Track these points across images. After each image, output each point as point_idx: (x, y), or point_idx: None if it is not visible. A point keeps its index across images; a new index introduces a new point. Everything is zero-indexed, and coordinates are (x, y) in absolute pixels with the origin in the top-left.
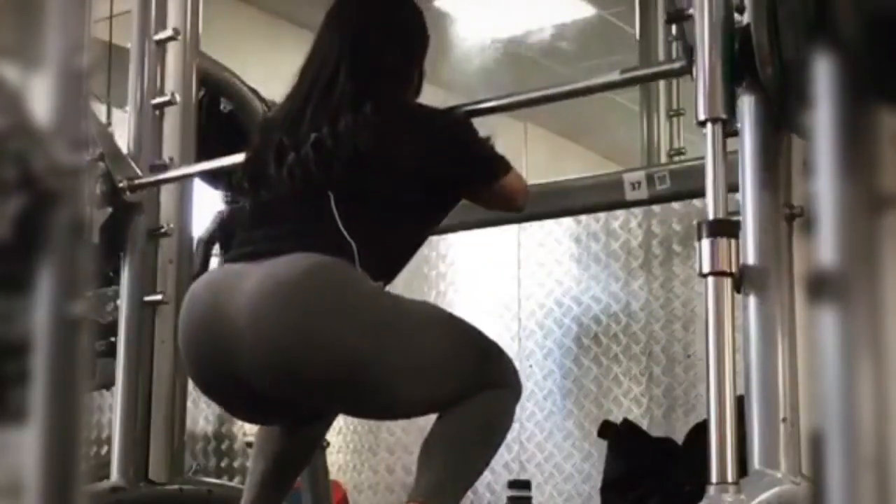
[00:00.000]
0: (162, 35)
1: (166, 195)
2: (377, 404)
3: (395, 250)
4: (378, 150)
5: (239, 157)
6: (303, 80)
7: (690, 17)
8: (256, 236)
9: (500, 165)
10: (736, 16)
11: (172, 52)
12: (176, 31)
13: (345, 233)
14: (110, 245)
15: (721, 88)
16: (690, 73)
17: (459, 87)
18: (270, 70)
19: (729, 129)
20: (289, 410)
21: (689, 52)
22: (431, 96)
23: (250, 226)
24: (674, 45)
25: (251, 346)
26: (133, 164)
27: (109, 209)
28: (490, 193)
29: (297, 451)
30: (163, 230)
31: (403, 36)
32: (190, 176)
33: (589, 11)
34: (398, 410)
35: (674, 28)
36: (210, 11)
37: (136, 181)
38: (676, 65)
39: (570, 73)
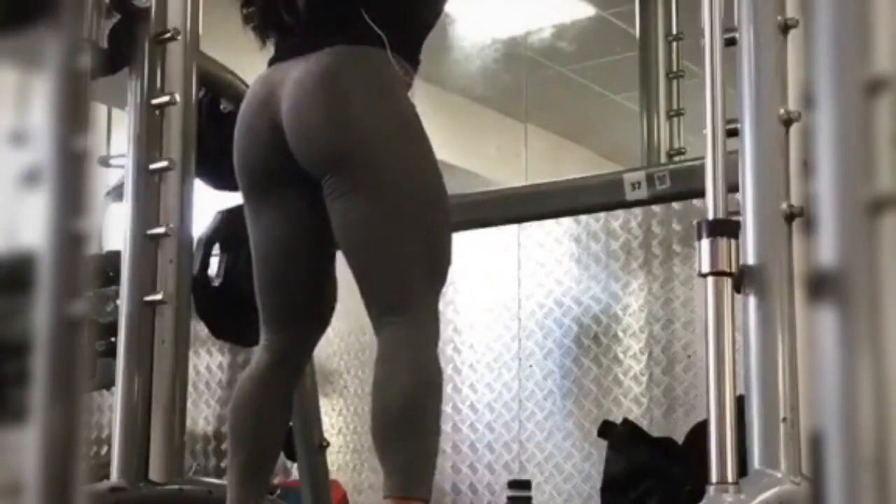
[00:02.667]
0: (162, 35)
1: (166, 193)
2: (360, 198)
3: (420, 24)
4: None
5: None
6: None
7: None
8: (295, 36)
9: None
10: None
11: (172, 52)
12: (176, 30)
13: (373, 25)
14: (118, 54)
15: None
16: None
17: (459, 87)
18: None
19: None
20: (309, 217)
21: None
22: (431, 96)
23: (286, 30)
24: (674, 45)
25: (290, 126)
26: None
27: (118, 16)
28: None
29: (272, 432)
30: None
31: None
32: None
33: (589, 11)
34: (363, 222)
35: (674, 27)
36: (210, 11)
37: None
38: None
39: (570, 73)
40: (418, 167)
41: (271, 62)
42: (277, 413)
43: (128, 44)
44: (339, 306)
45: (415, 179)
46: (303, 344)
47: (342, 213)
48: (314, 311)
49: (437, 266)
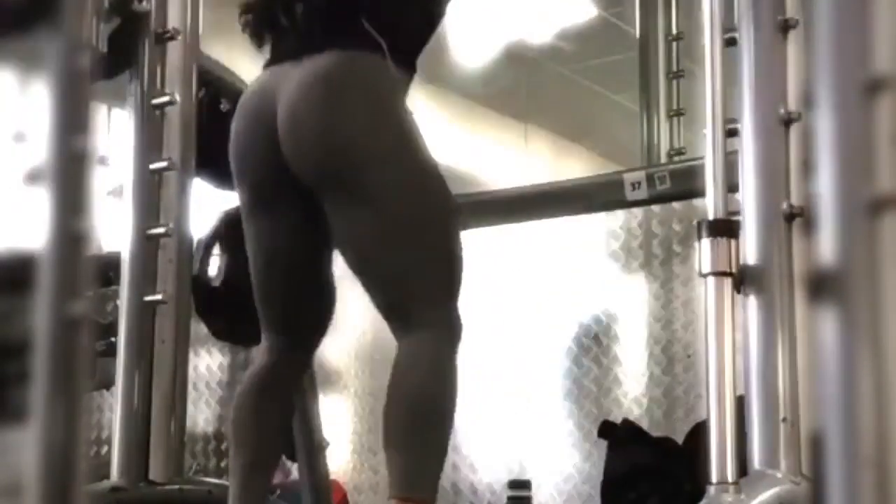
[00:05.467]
0: (162, 35)
1: (166, 193)
2: (365, 215)
3: (420, 32)
4: None
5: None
6: None
7: None
8: (292, 40)
9: None
10: None
11: (172, 52)
12: (176, 30)
13: (372, 32)
14: (118, 56)
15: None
16: None
17: (459, 87)
18: None
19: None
20: (304, 224)
21: None
22: (432, 96)
23: (282, 34)
24: (674, 45)
25: (285, 131)
26: None
27: (118, 19)
28: None
29: (274, 431)
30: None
31: None
32: None
33: (589, 11)
34: (372, 243)
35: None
36: (210, 11)
37: None
38: None
39: (570, 73)
40: (418, 176)
41: (266, 65)
42: (279, 414)
43: (127, 47)
44: (339, 307)
45: (415, 189)
46: (304, 347)
47: (343, 226)
48: (314, 316)
49: (449, 270)
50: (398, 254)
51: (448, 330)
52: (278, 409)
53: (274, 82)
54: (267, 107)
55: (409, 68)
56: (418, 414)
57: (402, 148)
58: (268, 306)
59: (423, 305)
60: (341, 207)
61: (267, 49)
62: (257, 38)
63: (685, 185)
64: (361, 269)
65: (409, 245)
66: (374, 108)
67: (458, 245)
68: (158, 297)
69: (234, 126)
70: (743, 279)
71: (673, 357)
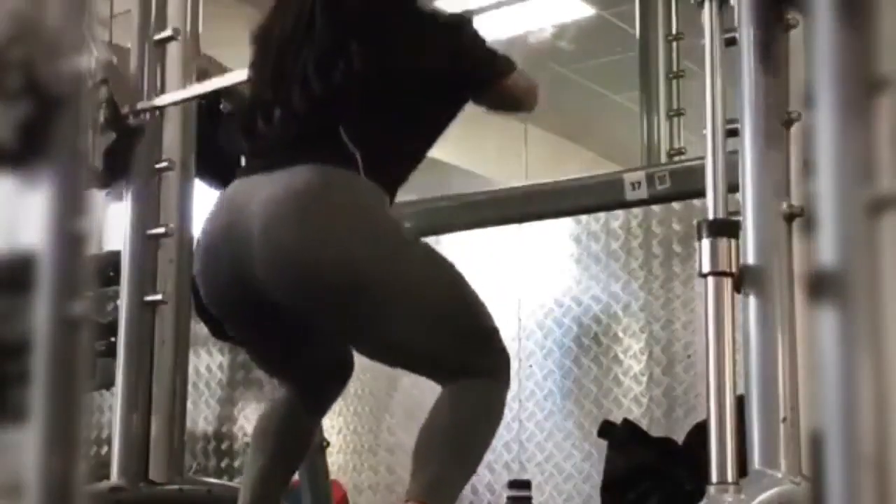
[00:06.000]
0: (162, 35)
1: (166, 193)
2: (375, 331)
3: (399, 157)
4: (373, 50)
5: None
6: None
7: None
8: (266, 150)
9: (503, 63)
10: None
11: (172, 52)
12: (176, 30)
13: (349, 144)
14: (114, 171)
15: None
16: None
17: None
18: None
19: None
20: (300, 338)
21: None
22: None
23: (257, 141)
24: (674, 45)
25: (262, 251)
26: (136, 90)
27: (113, 134)
28: (494, 93)
29: (295, 445)
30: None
31: None
32: (189, 100)
33: (589, 11)
34: (393, 346)
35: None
36: (210, 11)
37: (139, 106)
38: None
39: (570, 73)
40: (412, 276)
41: (238, 175)
42: (303, 434)
43: (123, 160)
44: None
45: (409, 280)
46: (324, 397)
47: (357, 338)
48: (331, 376)
49: (473, 326)
50: (422, 341)
51: (494, 378)
52: (303, 431)
53: (242, 198)
54: (237, 227)
55: (388, 191)
56: (456, 434)
57: (387, 259)
58: (280, 378)
59: (467, 366)
60: (340, 323)
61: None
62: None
63: (685, 185)
64: (395, 364)
65: (429, 327)
66: (353, 219)
67: (471, 295)
68: (158, 297)
69: (202, 251)
70: (743, 279)
71: (673, 357)
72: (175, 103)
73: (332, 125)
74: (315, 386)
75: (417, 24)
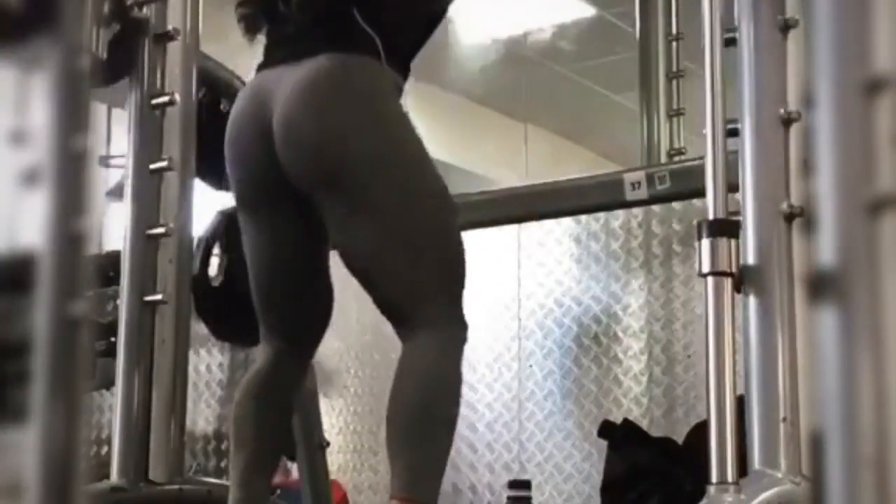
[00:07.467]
0: (162, 35)
1: (166, 193)
2: (356, 218)
3: (415, 26)
4: None
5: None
6: None
7: None
8: (288, 37)
9: None
10: None
11: (172, 52)
12: (176, 30)
13: (367, 28)
14: (117, 64)
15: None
16: None
17: (459, 87)
18: None
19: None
20: (313, 233)
21: None
22: (432, 96)
23: (278, 27)
24: (674, 45)
25: (284, 138)
26: None
27: (117, 26)
28: None
29: (275, 424)
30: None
31: None
32: None
33: (589, 11)
34: (371, 242)
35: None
36: (210, 11)
37: None
38: None
39: (570, 73)
40: (415, 178)
41: (259, 68)
42: (279, 415)
43: (127, 53)
44: (338, 306)
45: (412, 191)
46: (303, 348)
47: (341, 230)
48: (313, 317)
49: (449, 271)
50: (397, 256)
51: (451, 330)
52: (278, 409)
53: (267, 87)
54: (261, 112)
55: (403, 70)
56: (420, 416)
57: (397, 150)
58: (267, 309)
59: (424, 306)
60: (338, 211)
61: (259, 49)
62: (252, 31)
63: (685, 185)
64: (361, 271)
65: (408, 247)
66: (368, 112)
67: (458, 245)
68: (158, 297)
69: (229, 131)
70: (743, 279)
71: (673, 357)
72: None
73: (346, 8)
74: (305, 315)
75: None
